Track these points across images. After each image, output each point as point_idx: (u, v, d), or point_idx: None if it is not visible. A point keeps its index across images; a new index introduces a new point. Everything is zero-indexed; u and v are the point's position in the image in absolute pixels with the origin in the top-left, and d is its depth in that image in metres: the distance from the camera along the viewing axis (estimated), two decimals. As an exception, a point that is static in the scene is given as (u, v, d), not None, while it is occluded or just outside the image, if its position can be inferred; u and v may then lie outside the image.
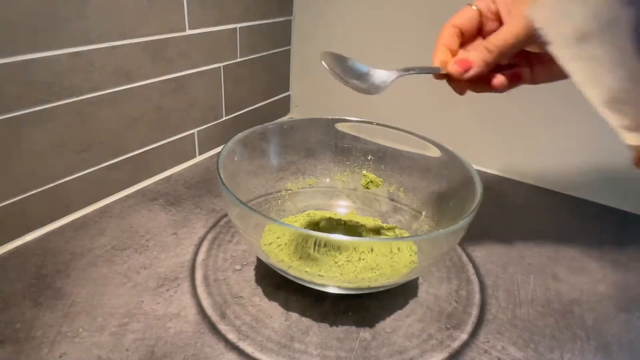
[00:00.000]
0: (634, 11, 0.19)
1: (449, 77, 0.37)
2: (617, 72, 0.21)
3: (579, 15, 0.21)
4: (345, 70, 0.36)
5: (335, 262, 0.38)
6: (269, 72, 0.78)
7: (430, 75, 0.38)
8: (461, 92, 0.38)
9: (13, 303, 0.38)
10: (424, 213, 0.49)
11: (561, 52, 0.23)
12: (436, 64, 0.37)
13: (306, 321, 0.39)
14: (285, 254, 0.39)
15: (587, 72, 0.23)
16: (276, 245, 0.40)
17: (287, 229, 0.40)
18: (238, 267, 0.45)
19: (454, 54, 0.37)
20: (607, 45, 0.21)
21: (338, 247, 0.38)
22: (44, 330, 0.36)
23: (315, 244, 0.39)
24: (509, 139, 0.66)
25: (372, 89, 0.35)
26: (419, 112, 0.70)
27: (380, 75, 0.37)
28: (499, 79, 0.36)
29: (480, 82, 0.36)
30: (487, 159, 0.68)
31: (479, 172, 0.42)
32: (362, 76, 0.36)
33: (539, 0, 0.24)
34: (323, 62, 0.35)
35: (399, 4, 0.71)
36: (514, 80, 0.37)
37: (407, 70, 0.37)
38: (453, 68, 0.36)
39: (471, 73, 0.35)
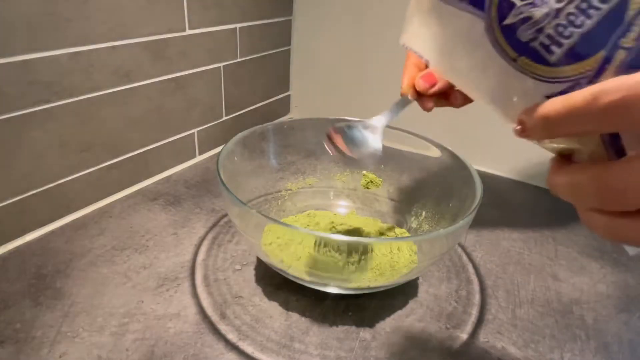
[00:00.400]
0: (487, 16, 0.20)
1: (418, 94, 0.38)
2: (489, 76, 0.21)
3: (440, 35, 0.22)
4: (347, 142, 0.38)
5: (335, 262, 0.38)
6: (269, 72, 0.78)
7: None
8: (425, 107, 0.38)
9: (13, 303, 0.38)
10: (424, 213, 0.49)
11: (438, 68, 0.24)
12: (404, 84, 0.38)
13: (306, 321, 0.39)
14: (285, 254, 0.39)
15: (464, 82, 0.23)
16: (276, 245, 0.40)
17: (287, 229, 0.40)
18: (238, 267, 0.45)
19: (422, 69, 0.38)
20: (473, 54, 0.21)
21: (338, 247, 0.38)
22: (44, 330, 0.36)
23: (315, 244, 0.39)
24: (509, 139, 0.65)
25: (371, 160, 0.37)
26: (419, 112, 0.69)
27: (371, 141, 0.39)
28: (454, 95, 0.37)
29: (442, 97, 0.38)
30: (488, 159, 0.68)
31: (479, 172, 0.42)
32: (360, 145, 0.38)
33: (405, 27, 0.24)
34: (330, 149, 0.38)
35: (399, 4, 0.71)
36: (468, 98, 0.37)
37: (387, 120, 0.39)
38: (419, 83, 0.36)
39: (436, 88, 0.36)
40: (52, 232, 0.48)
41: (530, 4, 0.18)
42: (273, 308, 0.40)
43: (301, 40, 0.80)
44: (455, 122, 0.68)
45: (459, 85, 0.24)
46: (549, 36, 0.18)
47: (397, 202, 0.52)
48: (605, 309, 0.42)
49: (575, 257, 0.49)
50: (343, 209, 0.53)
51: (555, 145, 0.21)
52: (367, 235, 0.47)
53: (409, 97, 0.38)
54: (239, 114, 0.74)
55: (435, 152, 0.47)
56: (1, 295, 0.39)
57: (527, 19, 0.18)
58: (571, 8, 0.18)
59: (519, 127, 0.20)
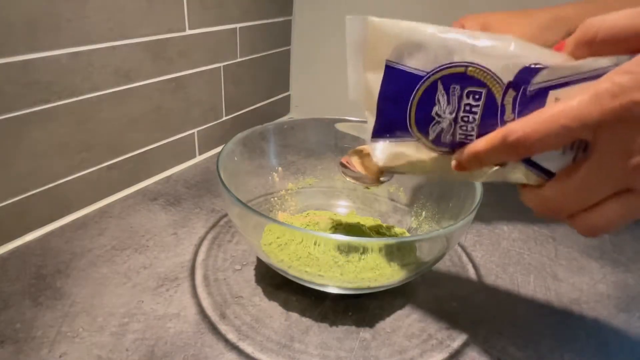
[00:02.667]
0: (417, 138, 0.28)
1: None
2: (432, 165, 0.29)
3: (394, 151, 0.30)
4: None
5: (335, 262, 0.38)
6: (269, 72, 0.78)
7: None
8: None
9: (13, 303, 0.38)
10: (423, 213, 0.49)
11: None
12: None
13: (306, 321, 0.39)
14: (285, 254, 0.39)
15: (415, 173, 0.32)
16: (276, 245, 0.40)
17: (287, 229, 0.40)
18: (238, 267, 0.45)
19: None
20: (418, 157, 0.29)
21: (338, 247, 0.38)
22: (44, 330, 0.36)
23: (315, 244, 0.39)
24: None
25: (387, 177, 0.40)
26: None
27: None
28: None
29: None
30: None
31: (479, 172, 0.42)
32: None
33: (376, 159, 0.32)
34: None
35: (399, 4, 0.71)
36: None
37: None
38: None
39: None
40: (52, 232, 0.48)
41: (436, 122, 0.27)
42: (273, 308, 0.40)
43: (301, 40, 0.80)
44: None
45: (434, 178, 0.33)
46: (462, 133, 0.26)
47: (397, 202, 0.52)
48: (605, 309, 0.42)
49: (575, 257, 0.49)
50: (343, 209, 0.53)
51: (510, 180, 0.28)
52: (367, 235, 0.47)
53: None
54: (239, 114, 0.74)
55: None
56: (1, 295, 0.39)
57: (441, 131, 0.27)
58: (462, 113, 0.26)
59: (455, 163, 0.27)
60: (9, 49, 0.41)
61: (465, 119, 0.26)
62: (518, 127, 0.23)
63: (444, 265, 0.47)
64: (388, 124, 0.29)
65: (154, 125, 0.58)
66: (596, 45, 0.22)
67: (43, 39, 0.43)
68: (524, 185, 0.27)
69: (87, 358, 0.34)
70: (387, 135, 0.29)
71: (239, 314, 0.39)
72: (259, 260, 0.46)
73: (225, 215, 0.53)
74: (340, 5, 0.74)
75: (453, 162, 0.28)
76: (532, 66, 0.24)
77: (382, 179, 0.39)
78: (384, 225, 0.49)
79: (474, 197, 0.39)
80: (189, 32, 0.59)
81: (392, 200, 0.52)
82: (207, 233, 0.50)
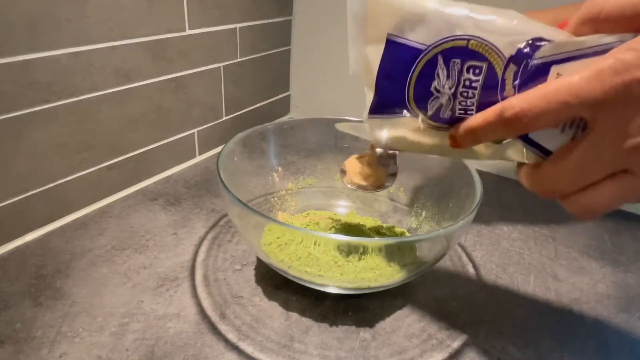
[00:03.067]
0: (417, 114, 0.28)
1: None
2: (431, 140, 0.29)
3: (394, 131, 0.30)
4: None
5: (335, 262, 0.38)
6: (269, 72, 0.78)
7: None
8: None
9: (13, 303, 0.38)
10: (424, 213, 0.49)
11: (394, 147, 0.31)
12: None
13: (306, 321, 0.39)
14: (285, 254, 0.39)
15: (416, 150, 0.31)
16: (276, 245, 0.40)
17: (287, 229, 0.40)
18: (238, 267, 0.45)
19: None
20: (419, 136, 0.29)
21: (338, 247, 0.38)
22: (44, 330, 0.36)
23: (315, 244, 0.39)
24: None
25: (390, 182, 0.40)
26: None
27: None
28: None
29: None
30: (487, 159, 0.68)
31: (479, 172, 0.42)
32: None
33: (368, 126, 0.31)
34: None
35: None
36: None
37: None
38: None
39: None
40: (52, 232, 0.48)
41: (435, 98, 0.26)
42: (273, 308, 0.40)
43: (301, 40, 0.80)
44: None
45: (434, 154, 0.32)
46: (460, 108, 0.26)
47: (397, 202, 0.52)
48: (605, 309, 0.42)
49: (575, 257, 0.49)
50: (343, 209, 0.53)
51: (508, 158, 0.27)
52: (367, 235, 0.47)
53: None
54: (239, 114, 0.74)
55: (435, 152, 0.47)
56: (1, 295, 0.39)
57: (440, 106, 0.27)
58: (461, 88, 0.25)
59: (449, 141, 0.27)
60: (9, 49, 0.41)
61: (465, 94, 0.25)
62: (516, 102, 0.23)
63: (444, 265, 0.47)
64: (387, 99, 0.28)
65: (154, 125, 0.58)
66: (600, 23, 0.22)
67: (43, 39, 0.43)
68: (521, 164, 0.27)
69: (87, 358, 0.34)
70: (386, 111, 0.29)
71: (239, 314, 0.39)
72: (259, 260, 0.46)
73: (225, 215, 0.53)
74: (340, 6, 0.73)
75: (447, 139, 0.27)
76: (535, 40, 0.23)
77: (386, 184, 0.39)
78: (384, 225, 0.49)
79: (474, 197, 0.39)
80: (189, 32, 0.59)
81: (392, 200, 0.52)
82: (207, 233, 0.50)
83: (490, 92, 0.25)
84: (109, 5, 0.48)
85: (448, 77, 0.25)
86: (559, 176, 0.24)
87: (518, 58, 0.24)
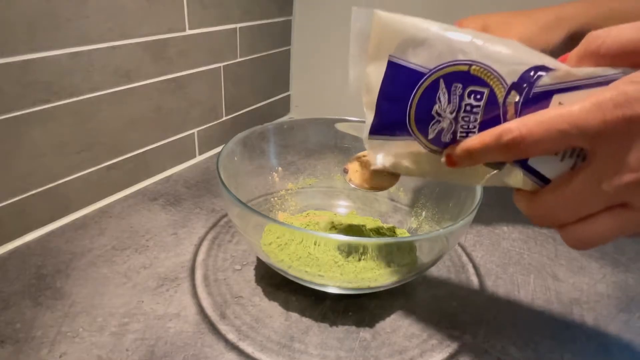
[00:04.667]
0: (416, 137, 0.28)
1: None
2: (427, 165, 0.29)
3: (390, 153, 0.30)
4: None
5: (335, 262, 0.38)
6: (269, 72, 0.78)
7: None
8: None
9: (13, 303, 0.38)
10: (423, 213, 0.49)
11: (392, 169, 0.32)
12: None
13: (306, 321, 0.39)
14: (285, 254, 0.39)
15: (412, 173, 0.31)
16: (276, 245, 0.40)
17: (287, 229, 0.40)
18: (238, 267, 0.45)
19: None
20: (415, 159, 0.30)
21: (338, 247, 0.38)
22: (44, 330, 0.36)
23: (315, 244, 0.39)
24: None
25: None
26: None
27: None
28: None
29: None
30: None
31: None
32: None
33: (372, 161, 0.32)
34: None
35: (398, 4, 0.71)
36: None
37: None
38: None
39: None
40: (52, 232, 0.48)
41: (437, 121, 0.26)
42: (273, 308, 0.40)
43: (301, 40, 0.80)
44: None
45: (431, 179, 0.33)
46: (462, 132, 0.26)
47: (397, 202, 0.52)
48: (605, 309, 0.42)
49: (575, 257, 0.49)
50: (343, 209, 0.53)
51: (506, 184, 0.27)
52: (367, 235, 0.47)
53: None
54: (239, 114, 0.74)
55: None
56: (1, 295, 0.39)
57: (441, 130, 0.26)
58: (462, 113, 0.25)
59: (445, 159, 0.27)
60: (9, 49, 0.41)
61: (466, 118, 0.25)
62: (514, 126, 0.22)
63: (444, 265, 0.47)
64: (387, 121, 0.28)
65: (154, 125, 0.58)
66: (600, 58, 0.22)
67: (43, 39, 0.43)
68: (519, 189, 0.27)
69: (87, 358, 0.34)
70: (386, 132, 0.29)
71: (239, 314, 0.39)
72: (259, 260, 0.46)
73: (225, 215, 0.53)
74: (340, 6, 0.73)
75: (443, 158, 0.27)
76: (538, 69, 0.23)
77: (387, 185, 0.39)
78: (384, 225, 0.49)
79: (474, 197, 0.39)
80: (189, 32, 0.59)
81: (392, 200, 0.52)
82: (207, 233, 0.50)
83: (492, 117, 0.25)
84: (109, 5, 0.48)
85: (449, 101, 0.25)
86: (557, 205, 0.24)
87: (520, 85, 0.24)
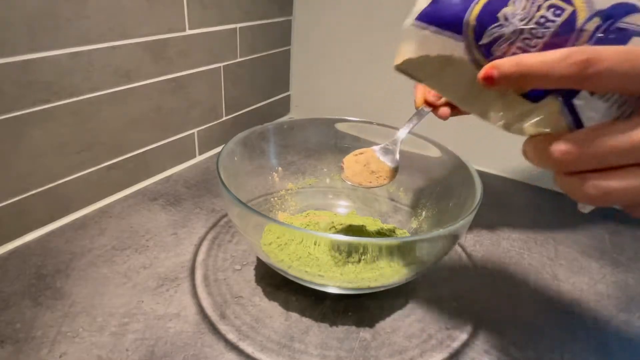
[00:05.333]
0: (465, 38, 0.24)
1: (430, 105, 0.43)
2: (470, 87, 0.25)
3: (426, 58, 0.26)
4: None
5: (335, 262, 0.38)
6: (269, 72, 0.78)
7: None
8: (440, 116, 0.43)
9: (13, 303, 0.38)
10: (424, 213, 0.49)
11: (427, 85, 0.28)
12: (417, 99, 0.43)
13: (306, 321, 0.39)
14: (285, 254, 0.39)
15: (451, 95, 0.28)
16: (276, 245, 0.40)
17: (287, 229, 0.40)
18: (238, 267, 0.45)
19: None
20: (455, 72, 0.25)
21: (338, 247, 0.38)
22: (44, 330, 0.36)
23: (315, 244, 0.39)
24: (509, 139, 0.65)
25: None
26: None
27: (390, 162, 0.44)
28: (443, 110, 0.42)
29: (452, 107, 0.42)
30: (487, 159, 0.68)
31: (479, 172, 0.42)
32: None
33: (398, 53, 0.27)
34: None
35: (399, 4, 0.71)
36: (456, 110, 0.42)
37: (407, 132, 0.44)
38: (428, 97, 0.42)
39: (443, 100, 0.42)
40: (52, 232, 0.48)
41: (499, 25, 0.23)
42: (273, 308, 0.40)
43: (301, 40, 0.80)
44: (455, 122, 0.68)
45: (448, 98, 0.28)
46: (519, 48, 0.23)
47: (397, 202, 0.52)
48: (605, 309, 0.42)
49: (575, 257, 0.49)
50: (343, 209, 0.53)
51: (526, 127, 0.25)
52: (367, 235, 0.47)
53: (424, 108, 0.42)
54: (239, 114, 0.74)
55: (435, 152, 0.47)
56: (1, 295, 0.39)
57: (499, 37, 0.23)
58: (532, 24, 0.22)
59: (484, 73, 0.23)
60: (9, 49, 0.41)
61: (533, 32, 0.22)
62: (588, 50, 0.20)
63: (444, 265, 0.47)
64: (445, 10, 0.24)
65: (154, 125, 0.58)
66: None
67: (43, 39, 0.43)
68: (534, 136, 0.25)
69: (87, 358, 0.34)
70: (435, 23, 0.25)
71: (239, 314, 0.39)
72: (259, 260, 0.46)
73: (225, 215, 0.53)
74: (340, 5, 0.74)
75: (483, 71, 0.23)
76: (630, 6, 0.22)
77: (384, 181, 0.39)
78: (384, 225, 0.49)
79: (474, 197, 0.39)
80: (189, 32, 0.59)
81: (393, 200, 0.52)
82: (207, 233, 0.50)
83: (562, 38, 0.22)
84: (109, 5, 0.48)
85: (524, 7, 0.22)
86: (591, 148, 0.22)
87: (606, 14, 0.22)
